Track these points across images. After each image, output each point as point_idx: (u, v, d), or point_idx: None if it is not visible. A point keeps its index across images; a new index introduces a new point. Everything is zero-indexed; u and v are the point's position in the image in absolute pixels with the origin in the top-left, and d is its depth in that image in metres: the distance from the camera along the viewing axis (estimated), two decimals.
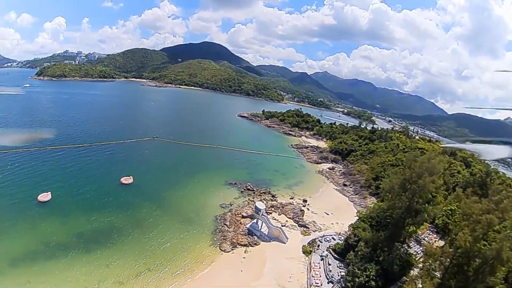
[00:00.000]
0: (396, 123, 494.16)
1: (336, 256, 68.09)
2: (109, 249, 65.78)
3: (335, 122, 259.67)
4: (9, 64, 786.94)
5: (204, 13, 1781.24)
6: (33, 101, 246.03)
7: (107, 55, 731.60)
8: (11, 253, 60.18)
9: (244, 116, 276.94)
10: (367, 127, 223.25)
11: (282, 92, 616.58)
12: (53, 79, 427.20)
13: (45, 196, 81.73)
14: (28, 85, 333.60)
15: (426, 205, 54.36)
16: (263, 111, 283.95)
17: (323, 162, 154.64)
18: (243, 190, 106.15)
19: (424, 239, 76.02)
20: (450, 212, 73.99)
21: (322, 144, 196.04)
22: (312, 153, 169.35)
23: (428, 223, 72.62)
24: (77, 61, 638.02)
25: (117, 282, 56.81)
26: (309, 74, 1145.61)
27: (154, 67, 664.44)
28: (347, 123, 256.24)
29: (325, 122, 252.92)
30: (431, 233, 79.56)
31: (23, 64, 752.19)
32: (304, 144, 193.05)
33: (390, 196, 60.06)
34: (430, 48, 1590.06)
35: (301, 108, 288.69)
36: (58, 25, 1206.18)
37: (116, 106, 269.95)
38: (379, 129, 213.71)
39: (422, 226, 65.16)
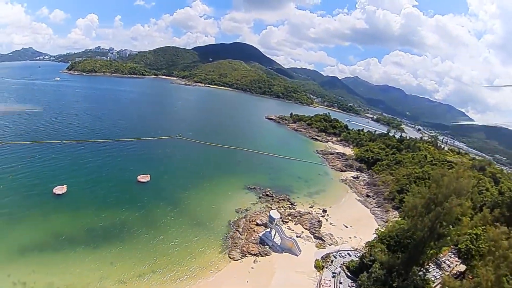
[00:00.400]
0: (426, 132, 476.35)
1: (349, 274, 64.07)
2: (117, 247, 65.41)
3: (363, 129, 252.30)
4: (41, 57, 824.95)
5: (236, 14, 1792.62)
6: (61, 94, 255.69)
7: (138, 52, 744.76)
8: (21, 242, 61.31)
9: (272, 119, 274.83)
10: (395, 136, 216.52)
11: (312, 96, 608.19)
12: (83, 73, 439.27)
13: (60, 189, 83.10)
14: (58, 78, 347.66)
15: (451, 227, 49.46)
16: (291, 114, 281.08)
17: (348, 170, 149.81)
18: (261, 195, 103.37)
19: (444, 262, 70.58)
20: (475, 237, 67.87)
21: (348, 151, 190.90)
22: (337, 160, 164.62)
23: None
24: (108, 57, 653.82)
25: (120, 281, 56.33)
26: (340, 78, 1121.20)
27: (185, 65, 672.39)
28: (375, 130, 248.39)
29: (353, 128, 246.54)
30: (452, 255, 73.67)
31: (55, 58, 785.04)
32: (330, 150, 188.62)
33: (412, 214, 55.32)
34: (462, 55, 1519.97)
35: (329, 113, 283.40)
36: (91, 22, 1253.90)
37: (143, 103, 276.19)
38: (408, 138, 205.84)
39: (444, 248, 59.98)
